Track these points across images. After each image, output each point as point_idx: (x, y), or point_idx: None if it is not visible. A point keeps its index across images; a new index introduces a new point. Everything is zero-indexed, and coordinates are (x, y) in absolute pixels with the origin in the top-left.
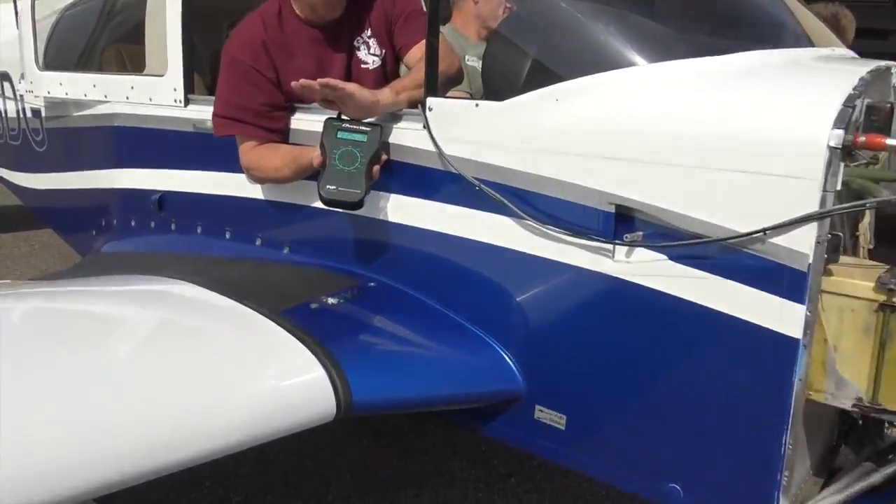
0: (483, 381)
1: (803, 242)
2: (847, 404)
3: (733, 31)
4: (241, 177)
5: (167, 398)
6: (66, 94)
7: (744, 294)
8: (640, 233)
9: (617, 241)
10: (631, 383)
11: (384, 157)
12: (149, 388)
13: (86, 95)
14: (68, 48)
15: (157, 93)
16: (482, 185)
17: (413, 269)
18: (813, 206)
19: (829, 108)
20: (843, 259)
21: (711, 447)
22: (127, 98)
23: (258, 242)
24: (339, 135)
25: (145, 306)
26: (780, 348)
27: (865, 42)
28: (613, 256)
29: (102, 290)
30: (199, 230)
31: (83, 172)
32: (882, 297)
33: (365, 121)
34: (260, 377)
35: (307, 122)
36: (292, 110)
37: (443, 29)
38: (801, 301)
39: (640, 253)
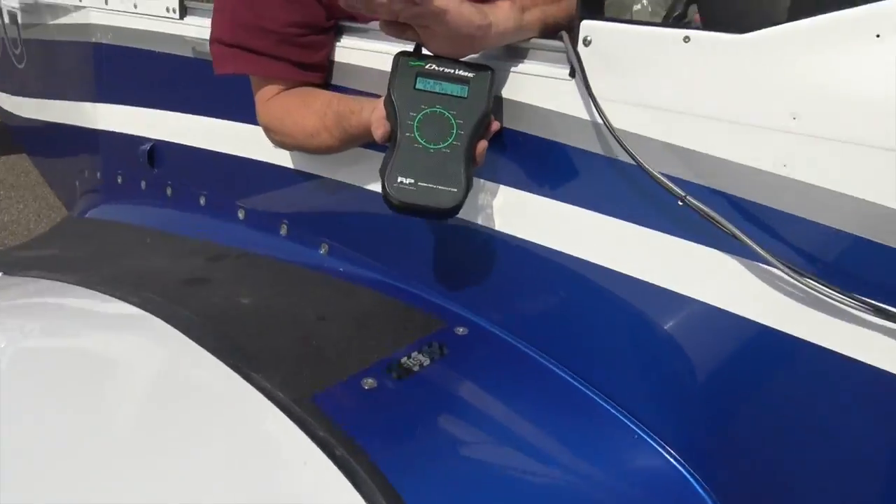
0: None
1: None
2: None
3: None
4: None
5: None
6: None
7: None
8: None
9: None
10: None
11: (496, 125)
12: None
13: None
14: None
15: None
16: (688, 198)
17: (537, 316)
18: None
19: None
20: None
21: None
22: (105, 3)
23: (283, 231)
24: (420, 84)
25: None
26: None
27: None
28: None
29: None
30: (202, 202)
31: (62, 103)
32: None
33: (465, 60)
34: None
35: (361, 54)
36: (338, 34)
37: None
38: None
39: None
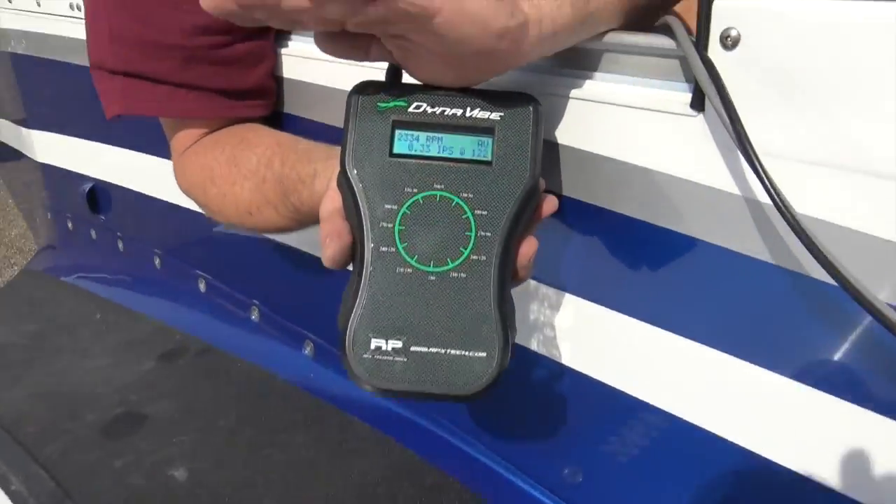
0: None
1: None
2: None
3: None
4: None
5: None
6: None
7: None
8: None
9: None
10: None
11: (551, 205)
12: None
13: None
14: None
15: None
16: None
17: None
18: None
19: None
20: None
21: None
22: (9, 0)
23: (254, 316)
24: (402, 144)
25: None
26: None
27: None
28: None
29: None
30: (156, 263)
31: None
32: None
33: (481, 90)
34: None
35: (324, 67)
36: (285, 37)
37: None
38: None
39: None
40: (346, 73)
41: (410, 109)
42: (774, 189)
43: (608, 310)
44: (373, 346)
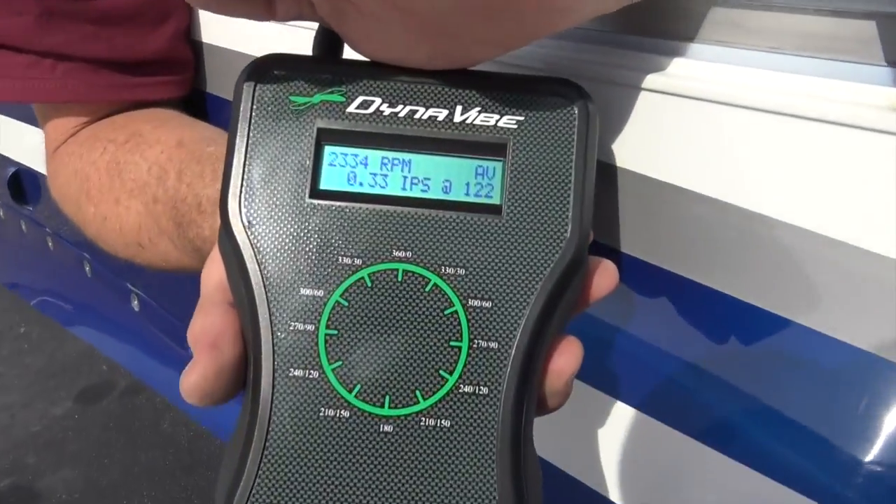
0: None
1: None
2: None
3: None
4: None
5: None
6: None
7: None
8: None
9: None
10: None
11: (611, 279)
12: None
13: None
14: None
15: None
16: None
17: None
18: None
19: None
20: None
21: None
22: None
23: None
24: (332, 169)
25: None
26: None
27: None
28: None
29: None
30: (87, 270)
31: None
32: None
33: (479, 70)
34: None
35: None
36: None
37: None
38: None
39: None
40: (299, 36)
41: (351, 109)
42: None
43: (709, 449)
44: None
